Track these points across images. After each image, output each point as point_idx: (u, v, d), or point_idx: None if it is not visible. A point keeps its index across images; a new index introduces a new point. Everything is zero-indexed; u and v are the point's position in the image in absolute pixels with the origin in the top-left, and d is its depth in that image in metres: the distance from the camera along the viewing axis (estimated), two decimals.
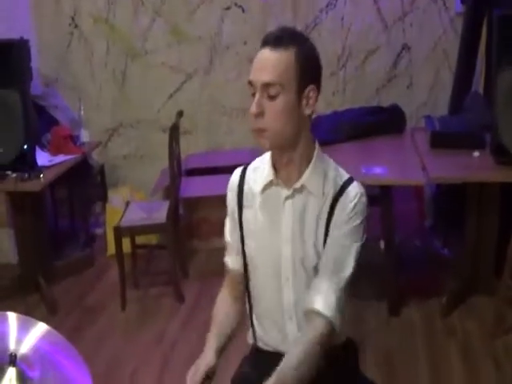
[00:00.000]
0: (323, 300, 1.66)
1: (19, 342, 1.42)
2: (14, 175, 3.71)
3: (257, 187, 1.78)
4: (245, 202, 1.81)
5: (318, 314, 1.66)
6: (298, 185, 1.72)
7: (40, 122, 4.26)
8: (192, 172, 4.73)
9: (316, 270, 1.72)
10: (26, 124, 3.73)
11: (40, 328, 1.46)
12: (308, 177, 1.71)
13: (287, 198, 1.74)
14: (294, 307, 1.77)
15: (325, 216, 1.71)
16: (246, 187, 1.81)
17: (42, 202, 4.41)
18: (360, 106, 4.48)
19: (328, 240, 1.71)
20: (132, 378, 3.24)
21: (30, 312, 3.65)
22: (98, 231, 4.93)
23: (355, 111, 4.35)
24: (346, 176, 1.76)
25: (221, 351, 1.81)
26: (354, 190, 1.72)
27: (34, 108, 4.15)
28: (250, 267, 1.83)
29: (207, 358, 1.77)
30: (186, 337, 3.46)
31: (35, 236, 4.21)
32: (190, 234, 4.64)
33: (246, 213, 1.81)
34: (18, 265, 4.28)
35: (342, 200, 1.70)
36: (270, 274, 1.78)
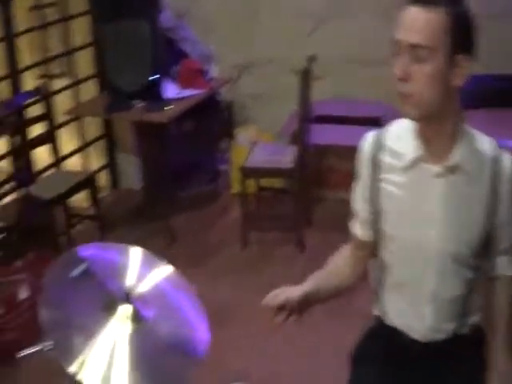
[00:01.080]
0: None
1: (140, 278, 1.35)
2: (141, 105, 3.72)
3: (401, 161, 1.60)
4: (382, 174, 1.64)
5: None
6: (450, 162, 1.56)
7: (169, 55, 4.23)
8: (320, 119, 4.54)
9: (469, 265, 1.62)
10: (154, 55, 3.73)
11: (163, 268, 1.36)
12: (461, 154, 1.56)
13: (438, 175, 1.57)
14: (434, 293, 1.64)
15: (484, 199, 1.58)
16: (383, 158, 1.64)
17: (168, 133, 4.40)
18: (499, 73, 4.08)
19: (497, 221, 1.60)
20: (245, 321, 3.20)
21: (148, 240, 3.74)
22: (223, 168, 4.87)
23: (490, 77, 3.97)
24: (494, 147, 1.61)
25: (312, 297, 1.64)
26: (509, 161, 1.59)
27: (164, 40, 4.12)
28: (385, 240, 1.68)
29: (293, 291, 1.62)
30: None
31: (159, 166, 4.24)
32: (316, 182, 4.49)
33: (383, 187, 1.64)
34: (141, 191, 4.35)
35: (502, 177, 1.58)
36: (410, 254, 1.64)
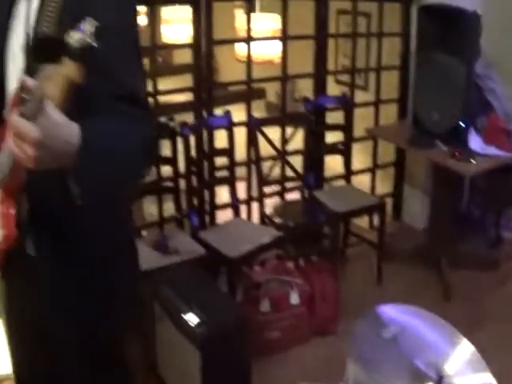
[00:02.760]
0: None
1: (446, 357, 1.28)
2: (445, 148, 3.65)
3: None
4: None
5: None
6: None
7: (477, 104, 4.08)
8: None
9: None
10: (466, 99, 3.61)
11: (465, 347, 1.29)
12: None
13: None
14: None
15: None
16: None
17: (462, 182, 4.28)
18: None
19: None
20: None
21: (422, 287, 3.69)
22: (506, 235, 4.62)
23: None
24: None
25: None
26: None
27: (474, 87, 3.98)
28: None
29: None
30: None
31: (448, 213, 4.13)
32: None
33: None
34: (423, 232, 4.27)
35: None
36: None
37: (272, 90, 6.39)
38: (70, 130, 1.23)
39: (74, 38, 1.13)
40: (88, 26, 1.14)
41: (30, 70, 1.43)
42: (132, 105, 1.45)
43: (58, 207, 1.48)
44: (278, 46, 4.48)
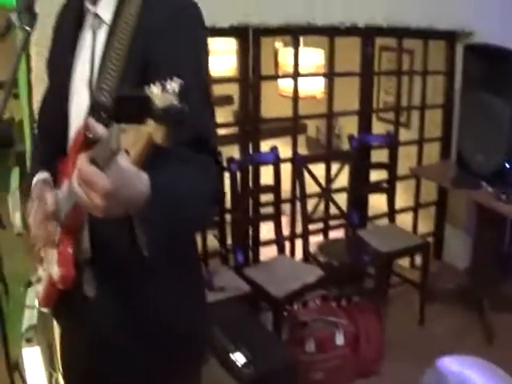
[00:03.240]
0: None
1: None
2: (490, 189, 3.60)
3: None
4: None
5: None
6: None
7: None
8: None
9: None
10: (511, 140, 3.56)
11: None
12: None
13: None
14: None
15: None
16: None
17: (505, 223, 4.23)
18: None
19: None
20: None
21: (464, 330, 3.62)
22: None
23: None
24: None
25: None
26: None
27: None
28: None
29: None
30: None
31: (491, 255, 4.07)
32: None
33: None
34: (465, 273, 4.21)
35: None
36: None
37: (312, 125, 6.36)
38: (140, 182, 1.18)
39: (160, 98, 1.02)
40: (174, 85, 1.04)
41: (96, 107, 1.43)
42: (202, 151, 1.41)
43: (121, 248, 1.44)
44: (320, 81, 4.49)
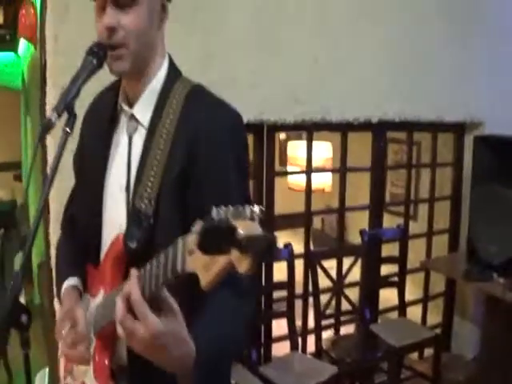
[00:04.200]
0: None
1: None
2: (502, 281, 3.60)
3: None
4: None
5: None
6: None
7: None
8: None
9: None
10: None
11: None
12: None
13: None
14: None
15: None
16: None
17: None
18: None
19: None
20: None
21: None
22: None
23: None
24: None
25: None
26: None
27: None
28: None
29: None
30: None
31: (499, 344, 3.99)
32: None
33: None
34: (473, 363, 4.20)
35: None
36: None
37: (317, 217, 6.36)
38: (188, 348, 1.18)
39: (244, 226, 0.96)
40: (257, 212, 0.99)
41: (135, 214, 1.41)
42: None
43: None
44: (328, 174, 4.54)
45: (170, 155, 1.42)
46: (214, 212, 1.00)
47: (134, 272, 1.19)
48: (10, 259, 5.51)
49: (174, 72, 1.54)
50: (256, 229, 0.97)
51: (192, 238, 1.03)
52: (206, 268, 1.01)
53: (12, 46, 7.53)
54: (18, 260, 5.56)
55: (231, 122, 1.48)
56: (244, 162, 1.50)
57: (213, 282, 1.02)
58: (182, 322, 1.18)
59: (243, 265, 0.96)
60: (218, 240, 0.98)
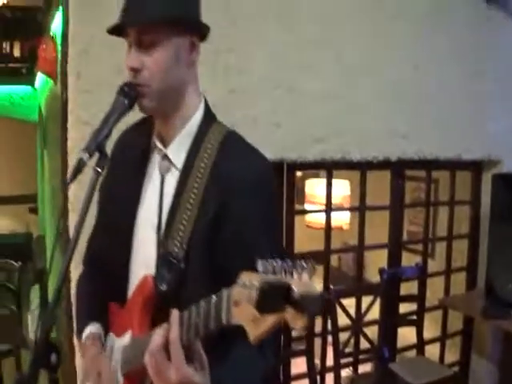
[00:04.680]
0: None
1: None
2: None
3: None
4: None
5: None
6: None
7: None
8: None
9: None
10: None
11: None
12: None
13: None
14: None
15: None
16: None
17: None
18: None
19: None
20: None
21: None
22: None
23: None
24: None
25: None
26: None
27: None
28: None
29: None
30: None
31: None
32: None
33: None
34: None
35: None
36: None
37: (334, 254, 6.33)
38: None
39: (299, 285, 0.96)
40: (310, 270, 0.99)
41: (166, 256, 1.41)
42: None
43: None
44: (346, 212, 4.54)
45: (203, 201, 1.42)
46: (260, 265, 1.01)
47: (175, 312, 1.19)
48: (25, 292, 5.53)
49: (209, 115, 1.54)
50: (311, 287, 0.98)
51: (238, 291, 1.04)
52: (255, 322, 1.01)
53: (28, 80, 7.66)
54: (35, 292, 5.59)
55: (262, 170, 1.49)
56: (273, 212, 1.52)
57: (262, 337, 1.02)
58: (209, 379, 1.19)
59: (298, 323, 0.96)
60: (273, 299, 0.98)
